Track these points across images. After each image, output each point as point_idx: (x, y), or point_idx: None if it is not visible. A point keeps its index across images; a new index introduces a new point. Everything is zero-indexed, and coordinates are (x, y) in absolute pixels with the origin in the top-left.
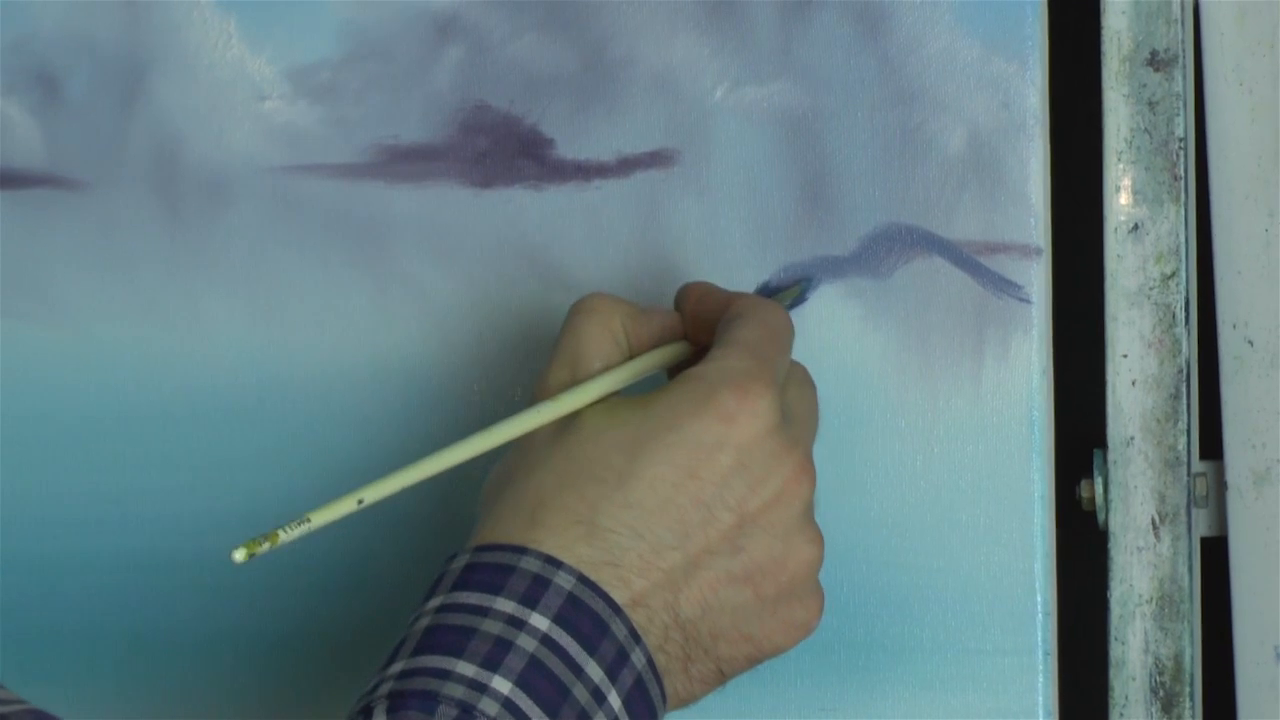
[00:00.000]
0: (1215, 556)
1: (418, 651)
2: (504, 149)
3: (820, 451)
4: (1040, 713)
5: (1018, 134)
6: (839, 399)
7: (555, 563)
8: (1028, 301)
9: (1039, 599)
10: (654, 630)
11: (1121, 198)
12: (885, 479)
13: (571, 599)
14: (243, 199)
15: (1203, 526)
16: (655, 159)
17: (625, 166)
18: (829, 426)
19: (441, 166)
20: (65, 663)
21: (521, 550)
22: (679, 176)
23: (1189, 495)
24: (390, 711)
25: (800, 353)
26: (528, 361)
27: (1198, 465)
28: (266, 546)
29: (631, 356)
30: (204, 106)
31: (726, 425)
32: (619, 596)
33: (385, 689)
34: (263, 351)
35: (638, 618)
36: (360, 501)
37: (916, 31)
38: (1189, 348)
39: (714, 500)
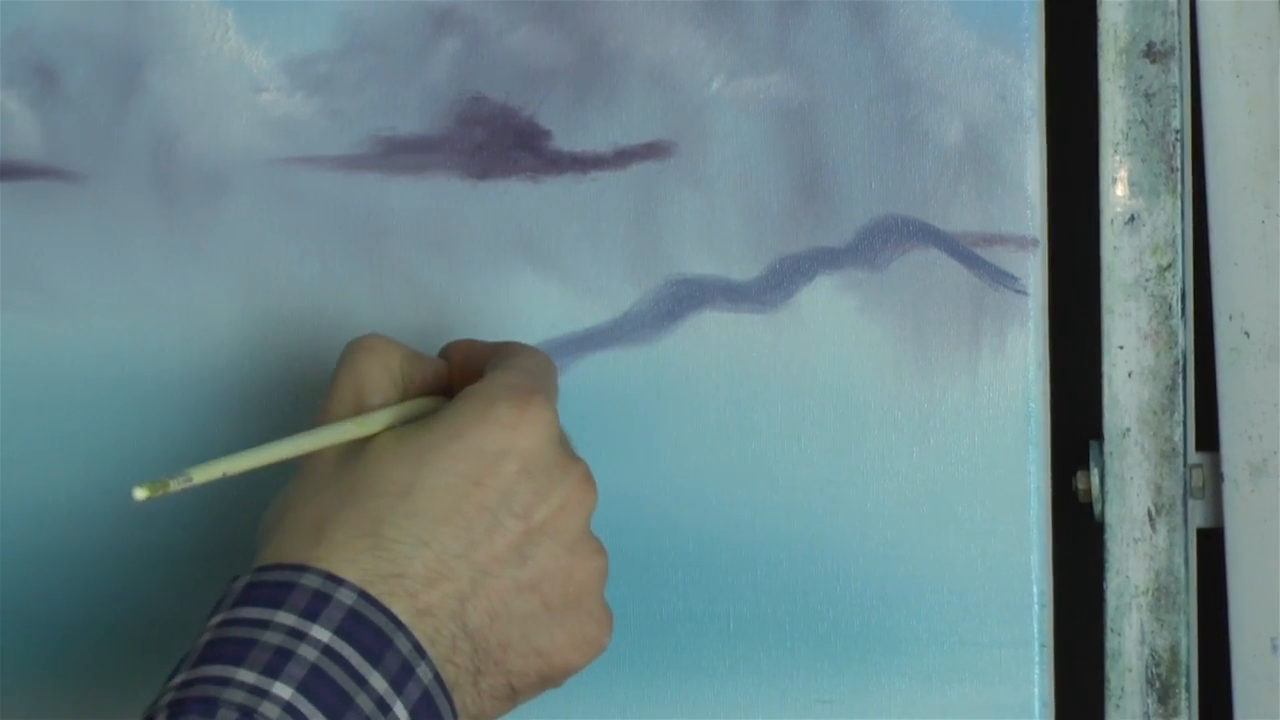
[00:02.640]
0: (1211, 548)
1: (199, 663)
2: (501, 141)
3: (816, 443)
4: (1036, 704)
5: (1014, 126)
6: (835, 391)
7: (336, 579)
8: (1024, 293)
9: (1035, 590)
10: (442, 640)
11: (1118, 189)
12: (881, 471)
13: (353, 614)
14: (240, 191)
15: (1199, 518)
16: (652, 151)
17: (622, 158)
18: (825, 417)
19: (438, 158)
20: (64, 654)
21: (302, 568)
22: (676, 168)
23: (1185, 487)
24: (171, 719)
25: (796, 345)
26: None
27: (1194, 457)
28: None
29: (405, 398)
30: (201, 98)
31: (509, 433)
32: (404, 608)
33: (166, 699)
34: (260, 343)
35: (425, 628)
36: (190, 480)
37: (913, 23)
38: (1185, 339)
39: (500, 507)
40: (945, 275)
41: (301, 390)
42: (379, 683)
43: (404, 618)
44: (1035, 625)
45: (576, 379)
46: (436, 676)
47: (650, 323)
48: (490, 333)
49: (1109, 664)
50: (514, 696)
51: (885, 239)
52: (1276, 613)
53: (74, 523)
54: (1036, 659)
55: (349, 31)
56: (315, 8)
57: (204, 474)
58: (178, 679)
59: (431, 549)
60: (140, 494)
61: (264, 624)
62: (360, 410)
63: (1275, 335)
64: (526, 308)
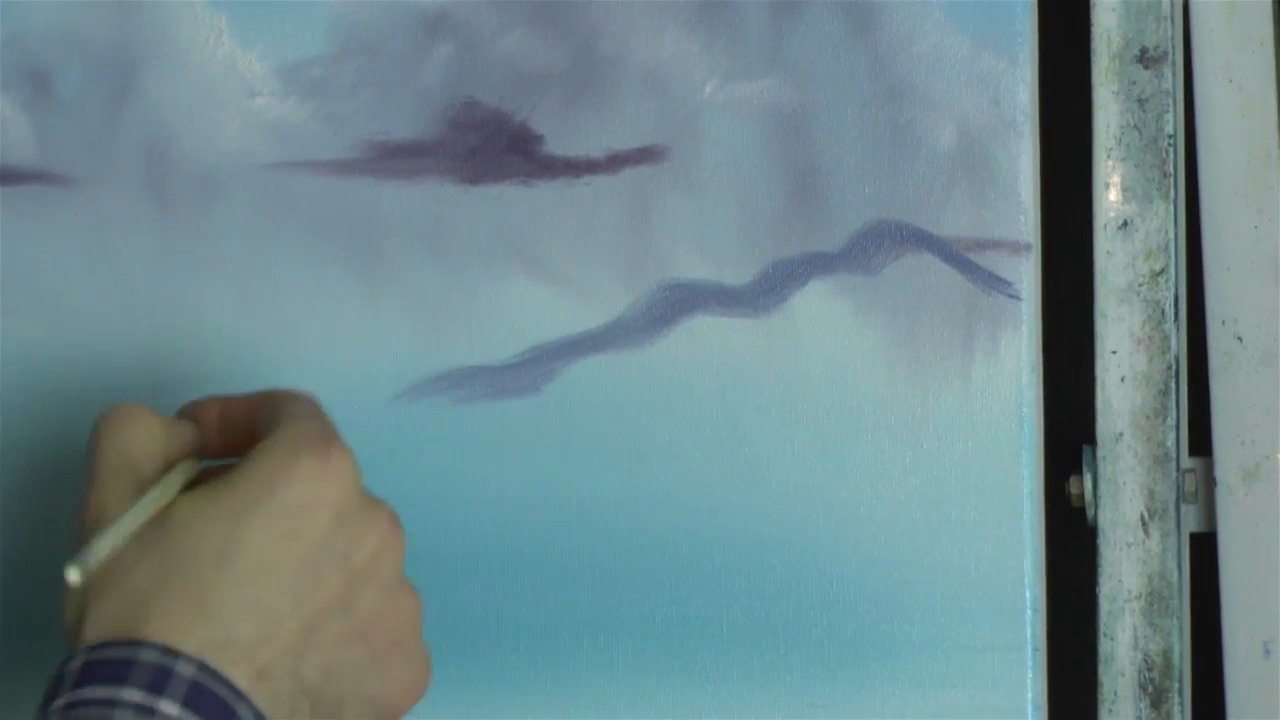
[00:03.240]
0: (1204, 552)
1: None
2: (494, 145)
3: (809, 448)
4: (1029, 709)
5: (1007, 131)
6: (828, 395)
7: (173, 652)
8: (1017, 298)
9: (1028, 595)
10: (281, 702)
11: (1111, 194)
12: (874, 475)
13: (196, 686)
14: (233, 195)
15: (1192, 522)
16: (645, 155)
17: (615, 163)
18: (819, 422)
19: (431, 163)
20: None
21: (137, 643)
22: (669, 173)
23: (1178, 491)
24: None
25: (790, 349)
26: (517, 359)
27: (1187, 461)
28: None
29: (172, 457)
30: (195, 103)
31: (318, 484)
32: (242, 674)
33: None
34: (252, 347)
35: (264, 692)
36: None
37: (906, 28)
38: (1178, 344)
39: (319, 560)
40: (938, 280)
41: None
42: None
43: (243, 684)
44: (1028, 629)
45: (568, 384)
46: None
47: (643, 327)
48: (485, 337)
49: (1102, 668)
50: None
51: (878, 244)
52: (1269, 617)
53: (71, 529)
54: (1030, 663)
55: (342, 36)
56: (308, 12)
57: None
58: None
59: (261, 610)
60: (74, 577)
61: (111, 703)
62: (136, 475)
63: (1268, 340)
64: (519, 312)
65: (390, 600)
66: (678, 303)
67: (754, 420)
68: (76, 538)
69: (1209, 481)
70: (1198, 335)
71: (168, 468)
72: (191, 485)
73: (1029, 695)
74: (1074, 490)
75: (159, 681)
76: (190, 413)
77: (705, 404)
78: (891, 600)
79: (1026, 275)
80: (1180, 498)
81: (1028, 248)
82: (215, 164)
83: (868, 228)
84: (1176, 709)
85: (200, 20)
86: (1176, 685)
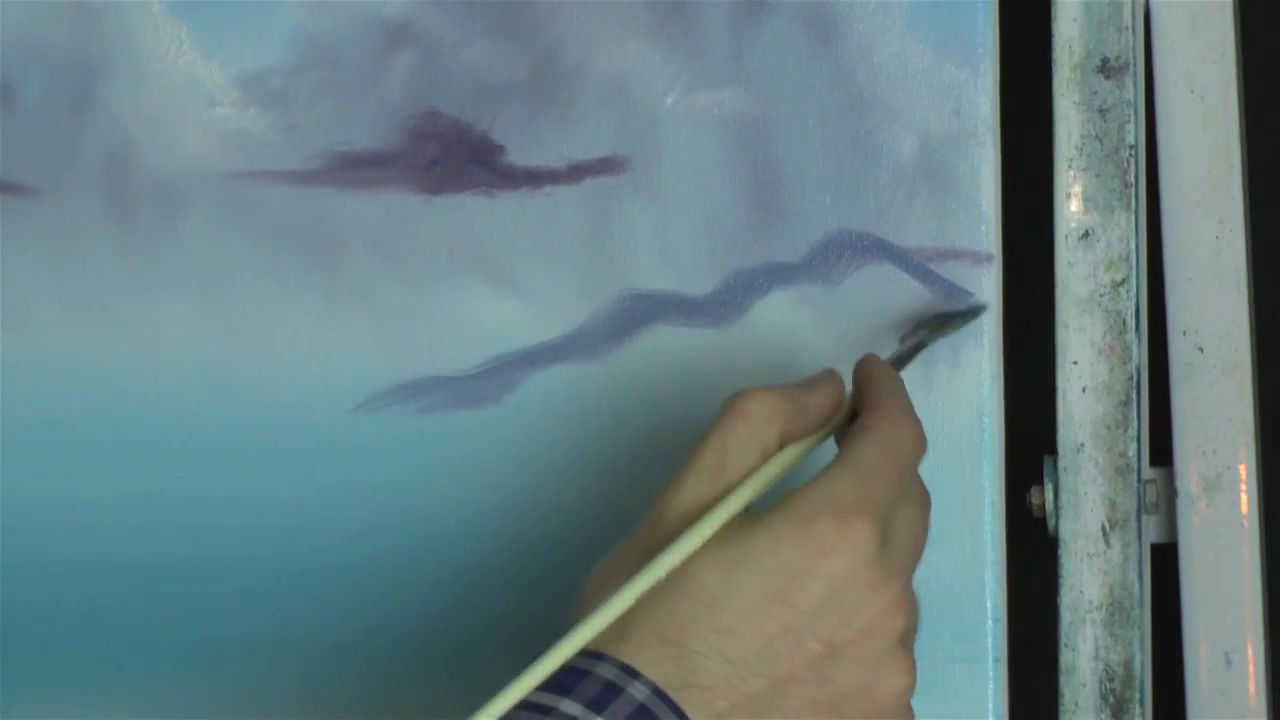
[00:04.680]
0: (1166, 563)
1: None
2: (455, 155)
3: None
4: (990, 719)
5: (969, 141)
6: None
7: (632, 672)
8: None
9: (989, 605)
10: None
11: (1072, 204)
12: None
13: (643, 709)
14: (194, 205)
15: (1153, 533)
16: (606, 165)
17: (576, 173)
18: None
19: (393, 173)
20: (48, 671)
21: (600, 656)
22: (630, 183)
23: (1139, 502)
24: None
25: (751, 359)
26: (478, 370)
27: (1148, 472)
28: None
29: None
30: (155, 113)
31: (822, 555)
32: (698, 716)
33: None
34: (214, 357)
35: None
36: None
37: (868, 38)
38: (1140, 354)
39: (804, 629)
40: (900, 290)
41: (255, 404)
42: None
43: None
44: (990, 640)
45: (530, 394)
46: None
47: (604, 337)
48: (446, 348)
49: (1063, 679)
50: None
51: (839, 254)
52: (1231, 628)
53: (28, 539)
54: (991, 674)
55: (303, 46)
56: (270, 22)
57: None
58: None
59: (733, 665)
60: None
61: (547, 710)
62: (720, 484)
63: (1229, 351)
64: (480, 322)
65: (874, 676)
66: (639, 313)
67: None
68: (648, 516)
69: (1170, 492)
70: (1159, 345)
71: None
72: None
73: (990, 706)
74: (1035, 501)
75: (604, 698)
76: (858, 366)
77: (667, 414)
78: None
79: (988, 285)
80: (1141, 508)
81: (989, 258)
82: (176, 174)
83: (829, 238)
84: (1138, 719)
85: (161, 30)
86: (1138, 696)
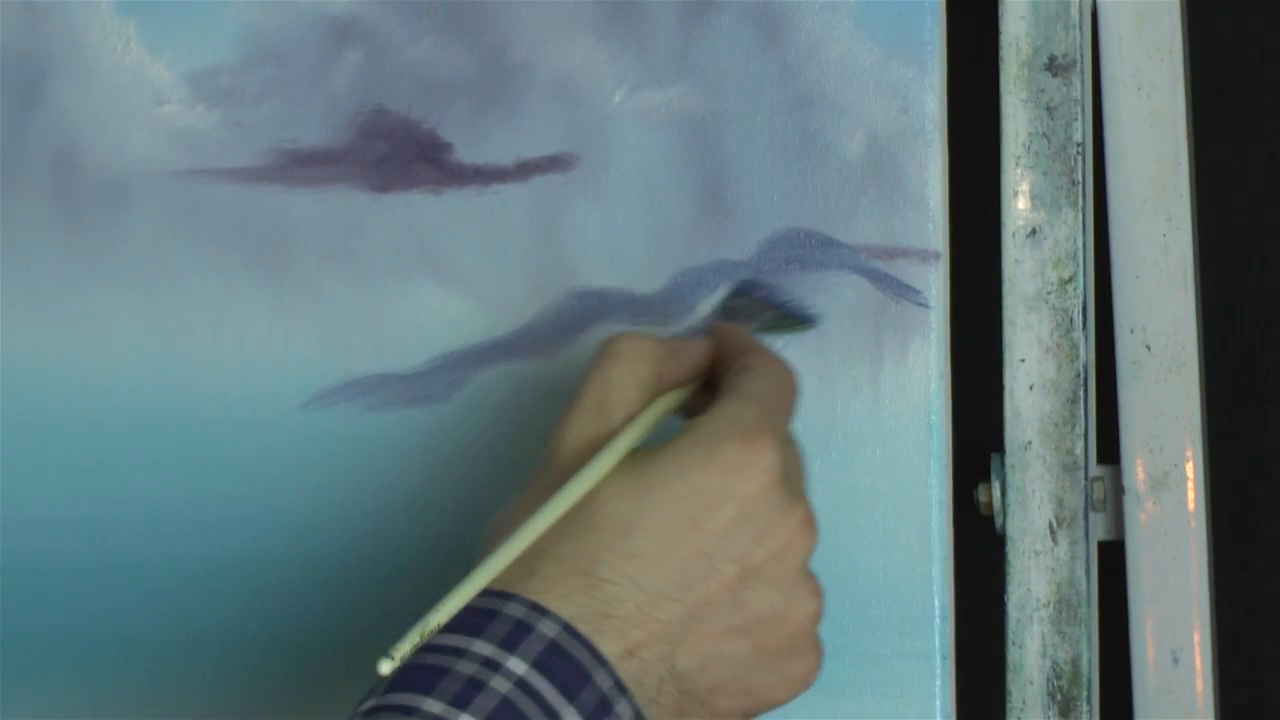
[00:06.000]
0: (1113, 561)
1: (389, 690)
2: (403, 153)
3: None
4: (938, 716)
5: (916, 138)
6: None
7: (540, 609)
8: (925, 306)
9: (937, 603)
10: (648, 682)
11: (1020, 202)
12: None
13: (553, 646)
14: (142, 202)
15: (1100, 531)
16: (554, 163)
17: (524, 171)
18: None
19: (340, 170)
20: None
21: (509, 596)
22: (578, 181)
23: (1086, 499)
24: None
25: None
26: (425, 367)
27: (1095, 470)
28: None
29: (664, 385)
30: (103, 110)
31: (731, 476)
32: (611, 648)
33: None
34: (161, 354)
35: (631, 668)
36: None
37: (815, 36)
38: (1087, 352)
39: (716, 552)
40: (847, 288)
41: (201, 400)
42: (573, 718)
43: (609, 655)
44: (937, 637)
45: (478, 391)
46: (637, 715)
47: (552, 335)
48: (394, 345)
49: (1010, 676)
50: None
51: (787, 252)
52: (1178, 626)
53: None
54: (938, 671)
55: (250, 43)
56: (217, 20)
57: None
58: (366, 704)
59: (645, 592)
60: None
61: (459, 652)
62: (604, 419)
63: (1176, 349)
64: (428, 320)
65: (786, 600)
66: (587, 311)
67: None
68: (541, 460)
69: (1117, 490)
70: (1106, 343)
71: (655, 396)
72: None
73: (937, 703)
74: (982, 498)
75: (515, 637)
76: (712, 330)
77: None
78: None
79: (935, 283)
80: (1089, 506)
81: (936, 256)
82: (123, 171)
83: (776, 236)
84: (1085, 717)
85: (109, 27)
86: (1085, 693)
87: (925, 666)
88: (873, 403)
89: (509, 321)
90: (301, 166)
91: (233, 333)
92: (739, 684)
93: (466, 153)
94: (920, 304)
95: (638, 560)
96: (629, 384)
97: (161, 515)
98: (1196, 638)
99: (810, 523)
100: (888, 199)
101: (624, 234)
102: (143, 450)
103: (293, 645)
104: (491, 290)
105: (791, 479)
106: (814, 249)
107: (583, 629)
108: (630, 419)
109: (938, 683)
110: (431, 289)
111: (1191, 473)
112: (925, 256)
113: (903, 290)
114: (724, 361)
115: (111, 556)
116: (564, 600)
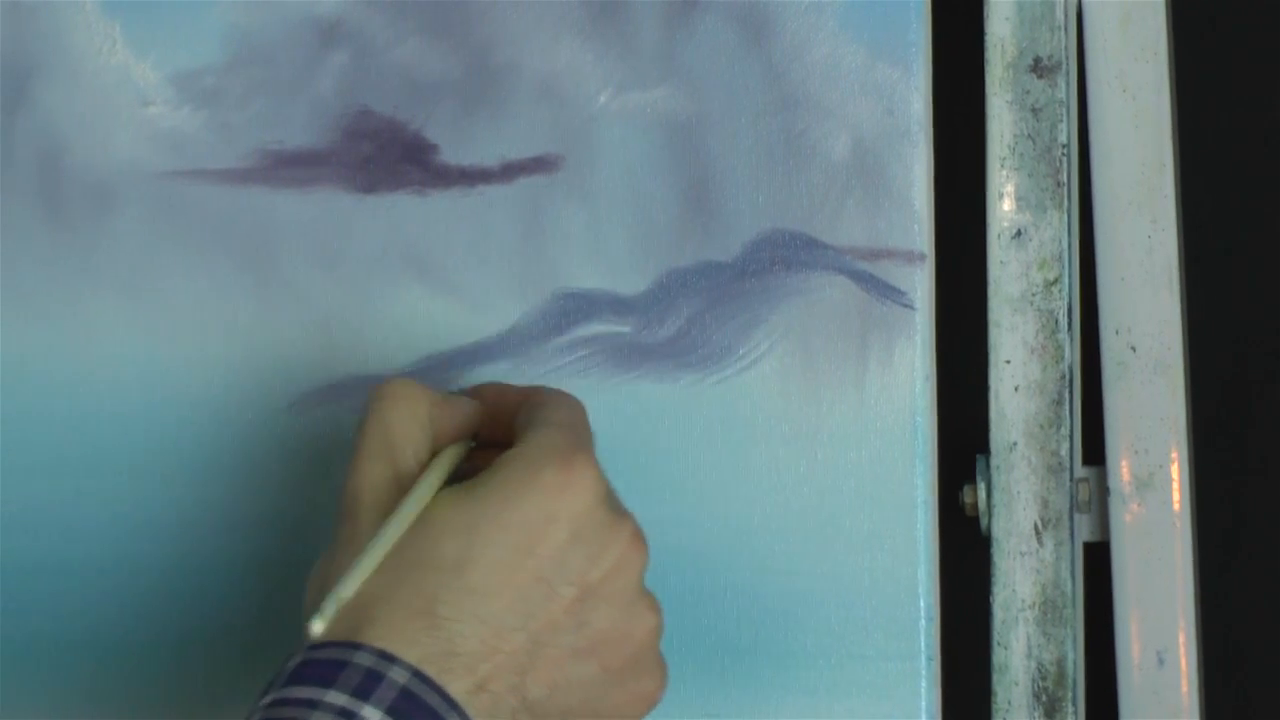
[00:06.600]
0: (1098, 562)
1: None
2: (388, 154)
3: (704, 457)
4: (924, 717)
5: (901, 140)
6: (722, 404)
7: (389, 658)
8: (911, 307)
9: (922, 604)
10: (501, 714)
11: (1005, 204)
12: (768, 484)
13: (405, 693)
14: (127, 204)
15: (1085, 532)
16: (539, 164)
17: (509, 172)
18: (713, 432)
19: (325, 172)
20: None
21: (355, 646)
22: (563, 182)
23: (1072, 501)
24: None
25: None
26: (412, 368)
27: (1080, 471)
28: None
29: (436, 444)
30: (88, 112)
31: (557, 499)
32: (460, 686)
33: None
34: (146, 356)
35: (482, 703)
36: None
37: (800, 37)
38: (1072, 354)
39: (554, 575)
40: (832, 290)
41: (187, 401)
42: None
43: (459, 696)
44: (923, 639)
45: None
46: None
47: (537, 336)
48: (379, 347)
49: (996, 677)
50: None
51: (772, 253)
52: (1163, 627)
53: None
54: (924, 672)
55: (236, 45)
56: (202, 21)
57: (328, 613)
58: None
59: (488, 625)
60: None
61: (313, 704)
62: (394, 460)
63: (1161, 350)
64: (413, 321)
65: (626, 617)
66: (572, 312)
67: (648, 430)
68: (336, 516)
69: (1102, 491)
70: (1091, 345)
71: (434, 452)
72: (459, 470)
73: (923, 705)
74: (968, 499)
75: (367, 686)
76: (477, 392)
77: (598, 413)
78: (786, 609)
79: (921, 285)
80: (1074, 507)
81: (922, 257)
82: (108, 173)
83: (761, 237)
84: (1070, 718)
85: (94, 28)
86: (1070, 694)
87: (911, 668)
88: (858, 404)
89: (494, 323)
90: (287, 168)
91: (219, 334)
92: (589, 707)
93: (452, 154)
94: (905, 305)
95: (476, 595)
96: (410, 423)
97: (146, 516)
98: (1181, 638)
99: (640, 538)
100: (873, 200)
101: (609, 235)
102: (128, 451)
103: (283, 644)
104: (477, 291)
105: (612, 498)
106: (799, 250)
107: (430, 671)
108: (418, 455)
109: (923, 684)
110: (417, 290)
111: (1176, 474)
112: (910, 258)
113: (888, 291)
114: (498, 416)
115: (95, 557)
116: (409, 644)
